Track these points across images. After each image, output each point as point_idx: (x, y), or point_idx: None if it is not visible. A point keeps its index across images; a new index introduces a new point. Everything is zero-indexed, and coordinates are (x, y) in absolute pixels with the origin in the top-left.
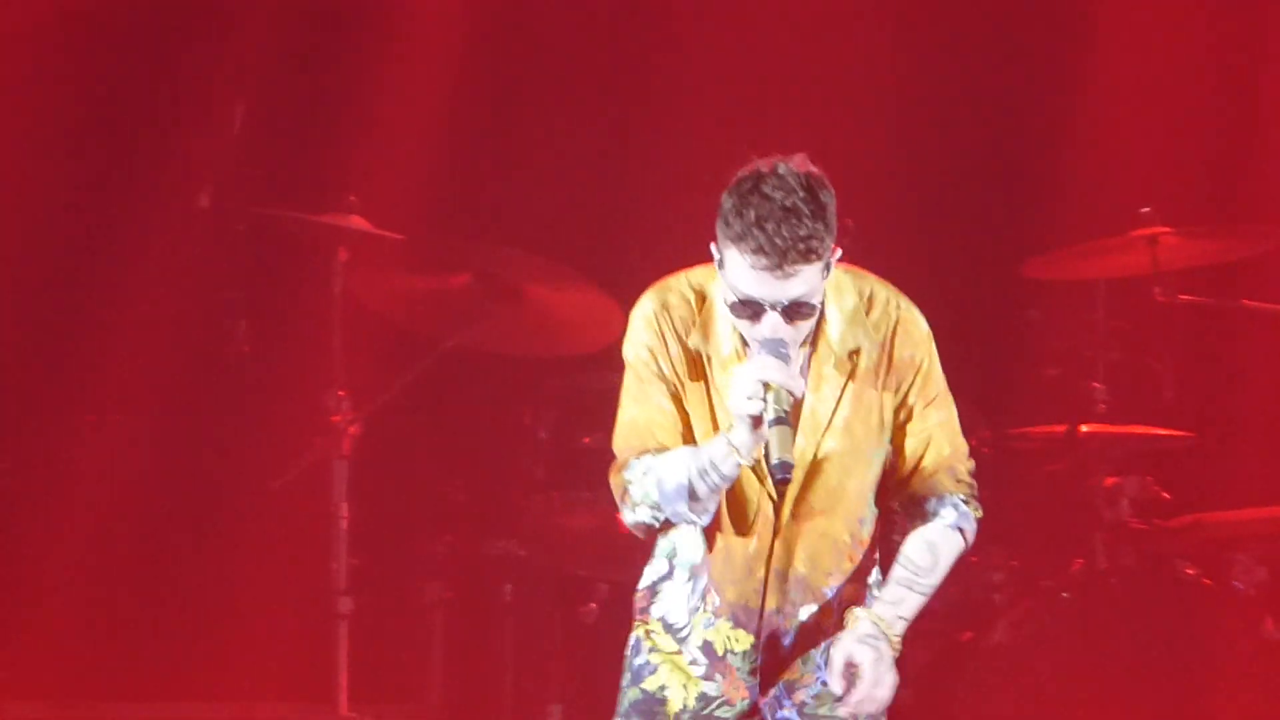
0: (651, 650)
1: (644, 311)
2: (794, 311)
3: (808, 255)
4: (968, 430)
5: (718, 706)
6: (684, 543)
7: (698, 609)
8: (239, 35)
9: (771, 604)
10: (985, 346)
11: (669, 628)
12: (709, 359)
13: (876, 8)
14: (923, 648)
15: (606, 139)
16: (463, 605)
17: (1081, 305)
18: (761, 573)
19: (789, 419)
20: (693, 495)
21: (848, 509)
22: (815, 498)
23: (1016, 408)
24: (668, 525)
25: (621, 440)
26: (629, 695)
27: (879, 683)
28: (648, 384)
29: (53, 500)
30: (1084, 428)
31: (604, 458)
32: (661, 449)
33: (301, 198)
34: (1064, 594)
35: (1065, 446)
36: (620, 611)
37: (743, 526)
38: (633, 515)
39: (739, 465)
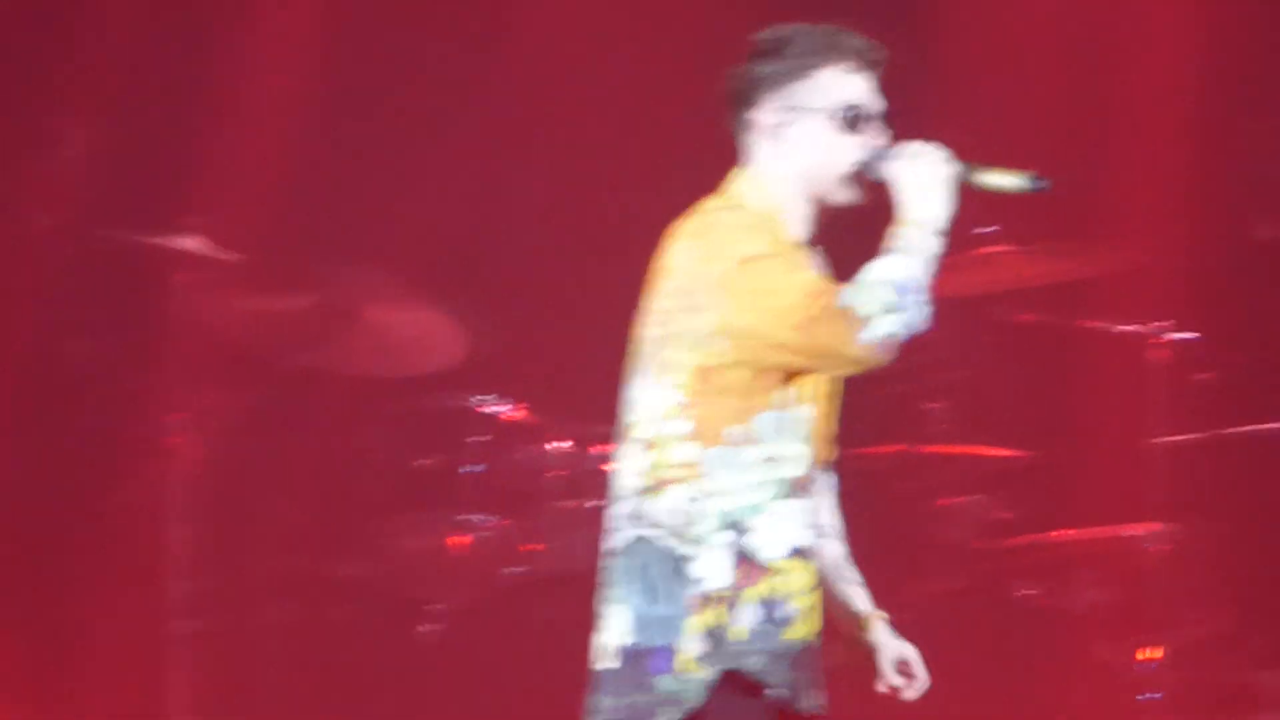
0: (787, 599)
1: (736, 219)
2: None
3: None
4: None
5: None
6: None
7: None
8: (79, 54)
9: None
10: None
11: (804, 553)
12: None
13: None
14: None
15: (447, 158)
16: (303, 627)
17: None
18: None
19: None
20: (920, 288)
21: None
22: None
23: (854, 427)
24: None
25: (802, 298)
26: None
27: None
28: (787, 257)
29: None
30: (923, 448)
31: (441, 478)
32: None
33: (141, 219)
34: (902, 616)
35: (904, 467)
36: (459, 631)
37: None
38: (873, 332)
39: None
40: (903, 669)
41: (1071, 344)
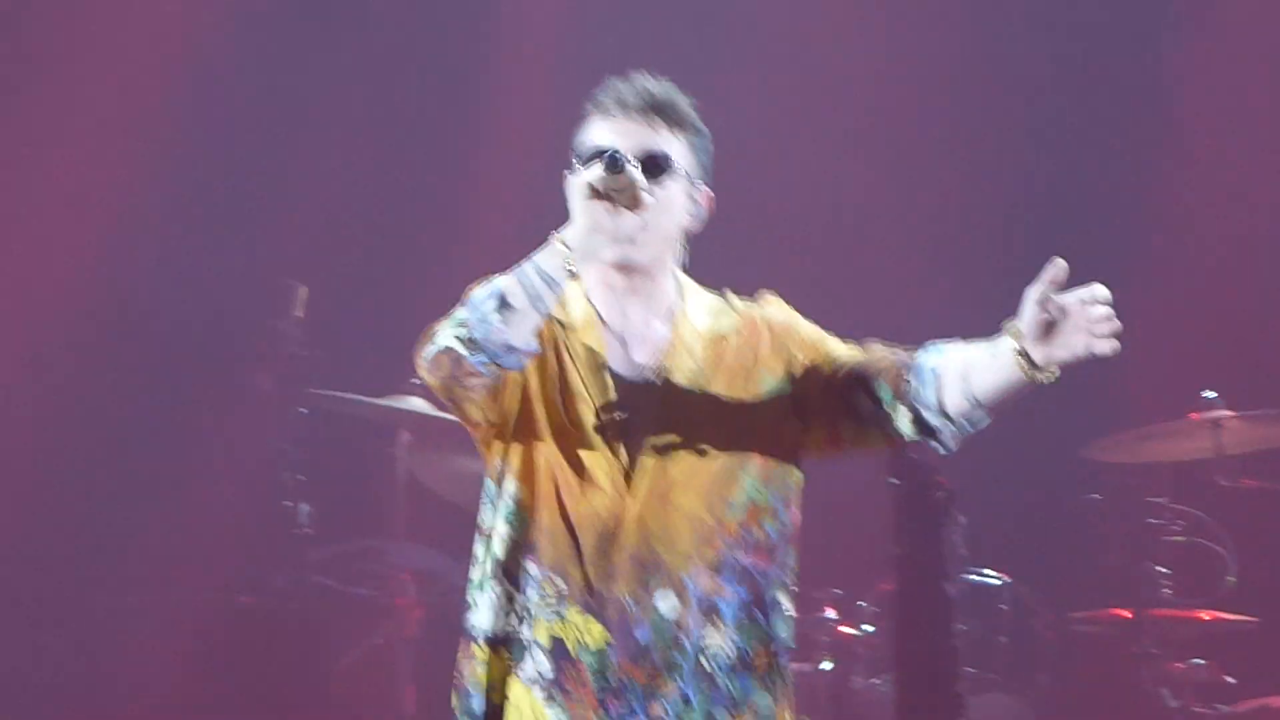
0: (475, 689)
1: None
2: (648, 165)
3: (659, 110)
4: (1031, 613)
5: None
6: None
7: (540, 601)
8: (299, 216)
9: (624, 588)
10: (1047, 528)
11: (499, 646)
12: (562, 325)
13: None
14: None
15: None
16: None
17: (1144, 488)
18: (612, 552)
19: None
20: (505, 302)
21: (711, 486)
22: (675, 469)
23: (1079, 591)
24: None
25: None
26: None
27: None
28: None
29: (84, 689)
30: (1151, 611)
31: None
32: None
33: (364, 380)
34: None
35: (1129, 630)
36: None
37: (588, 498)
38: (433, 346)
39: (565, 270)
40: (1047, 308)
41: None
